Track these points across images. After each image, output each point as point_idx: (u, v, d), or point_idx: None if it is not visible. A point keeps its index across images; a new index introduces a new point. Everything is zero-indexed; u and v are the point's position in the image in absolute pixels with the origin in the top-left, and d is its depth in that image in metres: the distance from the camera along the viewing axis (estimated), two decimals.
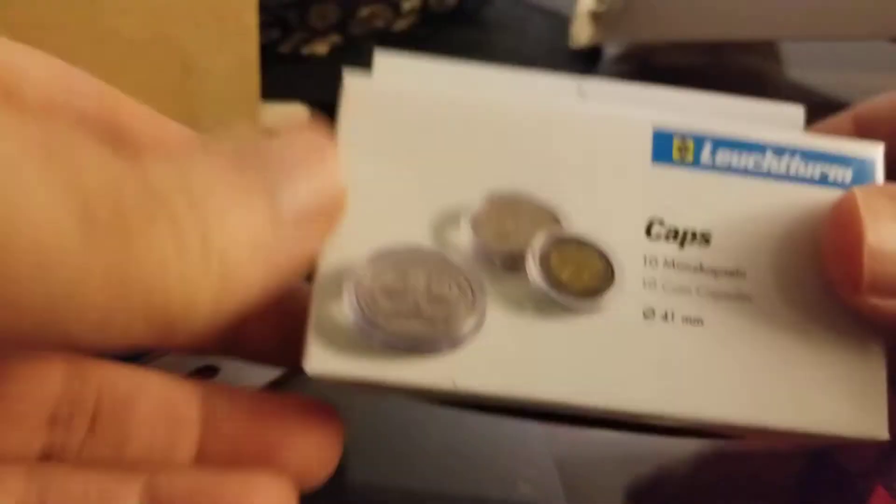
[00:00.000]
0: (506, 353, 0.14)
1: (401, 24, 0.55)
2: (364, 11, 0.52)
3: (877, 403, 0.16)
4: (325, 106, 0.57)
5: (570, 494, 0.21)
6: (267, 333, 0.17)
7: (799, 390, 0.15)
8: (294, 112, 0.46)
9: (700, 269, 0.15)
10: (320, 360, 0.14)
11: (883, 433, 0.16)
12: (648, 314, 0.15)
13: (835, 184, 0.16)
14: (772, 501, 0.22)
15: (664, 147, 0.16)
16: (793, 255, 0.16)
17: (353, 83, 0.16)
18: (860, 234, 0.15)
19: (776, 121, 0.17)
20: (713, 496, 0.22)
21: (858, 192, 0.15)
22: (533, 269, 0.14)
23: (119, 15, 0.27)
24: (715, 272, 0.15)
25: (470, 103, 0.16)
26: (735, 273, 0.15)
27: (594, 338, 0.14)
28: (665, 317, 0.15)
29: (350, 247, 0.15)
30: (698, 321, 0.15)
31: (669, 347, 0.15)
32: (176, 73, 0.29)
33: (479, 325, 0.14)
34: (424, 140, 0.16)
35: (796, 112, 0.17)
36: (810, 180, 0.16)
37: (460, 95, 0.16)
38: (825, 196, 0.16)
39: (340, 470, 0.16)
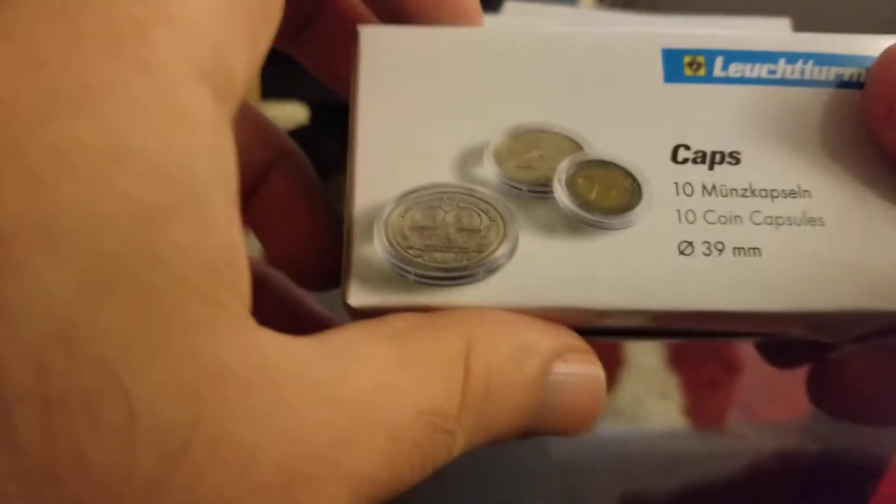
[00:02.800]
0: (543, 270, 0.14)
1: None
2: None
3: None
4: (324, 106, 0.57)
5: (569, 494, 0.21)
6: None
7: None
8: (293, 111, 0.46)
9: (750, 191, 0.14)
10: (361, 295, 0.14)
11: None
12: (684, 249, 0.14)
13: (850, 84, 0.15)
14: (773, 501, 0.22)
15: (675, 65, 0.15)
16: (845, 160, 0.15)
17: (367, 32, 0.16)
18: None
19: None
20: (713, 496, 0.22)
21: None
22: (560, 192, 0.14)
23: None
24: (771, 193, 0.15)
25: (481, 38, 0.16)
26: (797, 192, 0.15)
27: (631, 249, 0.14)
28: (709, 251, 0.14)
29: (379, 190, 0.15)
30: (755, 251, 0.14)
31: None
32: None
33: (512, 251, 0.14)
34: (442, 80, 0.15)
35: (782, 24, 0.17)
36: (826, 83, 0.15)
37: (471, 32, 0.16)
38: (845, 97, 0.15)
39: None
